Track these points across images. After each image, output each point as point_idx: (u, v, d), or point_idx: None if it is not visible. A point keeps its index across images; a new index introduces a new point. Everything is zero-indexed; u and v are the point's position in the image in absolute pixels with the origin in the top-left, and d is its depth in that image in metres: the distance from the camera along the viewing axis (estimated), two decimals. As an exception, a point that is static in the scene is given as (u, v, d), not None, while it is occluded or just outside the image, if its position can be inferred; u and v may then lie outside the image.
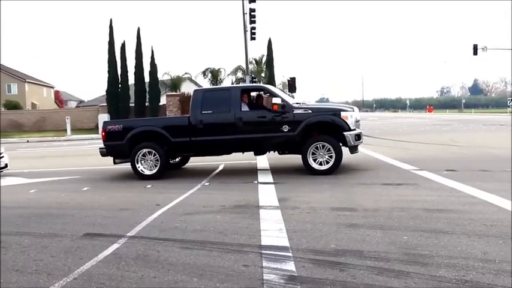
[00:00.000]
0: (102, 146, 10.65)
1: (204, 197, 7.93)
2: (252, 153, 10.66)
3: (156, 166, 10.19)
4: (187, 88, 46.40)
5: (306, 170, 9.74)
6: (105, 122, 10.88)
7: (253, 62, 52.91)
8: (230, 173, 10.90)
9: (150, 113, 40.07)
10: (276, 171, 10.57)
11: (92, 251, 5.00)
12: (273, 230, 5.49)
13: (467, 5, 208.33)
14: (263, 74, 51.55)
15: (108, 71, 42.08)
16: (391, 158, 11.76)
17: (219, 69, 54.20)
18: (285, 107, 9.82)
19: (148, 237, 5.43)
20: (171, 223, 6.08)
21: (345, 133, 9.67)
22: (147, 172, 10.21)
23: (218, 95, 10.73)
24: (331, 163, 9.63)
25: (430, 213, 5.98)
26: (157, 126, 10.39)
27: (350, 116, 9.85)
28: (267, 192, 7.98)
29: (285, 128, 9.82)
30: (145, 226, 5.98)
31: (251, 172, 10.60)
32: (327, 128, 9.88)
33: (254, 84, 10.41)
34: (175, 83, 48.35)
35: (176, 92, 45.39)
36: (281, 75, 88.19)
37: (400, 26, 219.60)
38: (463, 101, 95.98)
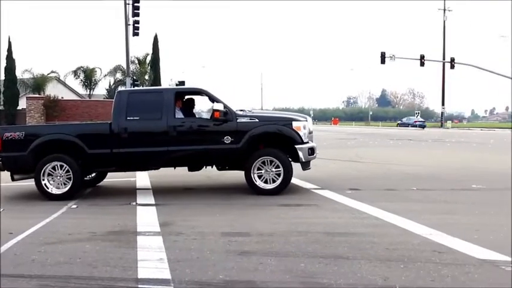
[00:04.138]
0: None
1: (70, 222, 7.65)
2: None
3: (67, 183, 9.59)
4: (54, 90, 44.80)
5: (251, 189, 9.65)
6: (1, 128, 10.03)
7: (136, 61, 52.35)
8: (104, 192, 10.63)
9: (5, 119, 37.98)
10: (159, 190, 10.48)
11: None
12: (152, 260, 5.44)
13: (374, 11, 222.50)
14: (147, 76, 51.15)
15: (-50, 65, 39.36)
16: (291, 176, 12.13)
17: (93, 68, 53.11)
18: (228, 114, 9.62)
19: (-4, 273, 5.12)
20: (27, 255, 5.79)
21: (296, 146, 9.65)
22: (55, 191, 9.57)
23: (147, 98, 10.40)
24: (278, 181, 9.55)
25: (331, 237, 6.28)
26: (70, 134, 9.80)
27: (303, 127, 9.81)
28: (147, 216, 7.89)
29: (227, 140, 9.63)
30: (-8, 259, 5.64)
31: (129, 192, 10.42)
32: (276, 140, 9.84)
33: (190, 86, 10.09)
34: (39, 84, 46.54)
35: (40, 94, 43.57)
36: (168, 78, 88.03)
37: (304, 29, 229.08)
38: (370, 113, 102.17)
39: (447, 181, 11.24)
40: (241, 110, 10.13)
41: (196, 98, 10.88)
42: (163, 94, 10.10)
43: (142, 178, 12.25)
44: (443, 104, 69.37)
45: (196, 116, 10.52)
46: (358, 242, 6.04)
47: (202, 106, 10.97)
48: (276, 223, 7.16)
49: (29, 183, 10.12)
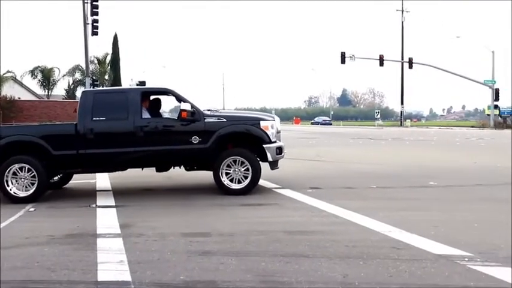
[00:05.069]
0: None
1: (28, 225, 7.50)
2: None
3: (32, 186, 9.36)
4: (10, 90, 43.85)
5: (219, 190, 9.60)
6: None
7: (95, 61, 51.69)
8: (62, 195, 10.44)
9: (-42, 121, 36.88)
10: (119, 192, 10.37)
11: None
12: (112, 262, 5.39)
13: (335, 11, 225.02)
14: (107, 76, 50.60)
15: None
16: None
17: (51, 68, 52.23)
18: (195, 114, 9.55)
19: (-51, 280, 4.99)
20: (-18, 260, 5.65)
21: (264, 146, 9.66)
22: (20, 193, 9.34)
23: (113, 98, 10.21)
24: (246, 181, 9.52)
25: (291, 236, 6.33)
26: (34, 135, 9.61)
27: (271, 126, 9.84)
28: (107, 218, 7.80)
29: (195, 140, 9.54)
30: None
31: (88, 194, 10.28)
32: (244, 140, 9.84)
33: (157, 86, 9.80)
34: (-6, 84, 45.33)
35: (-5, 94, 42.51)
36: (129, 78, 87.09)
37: (266, 29, 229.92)
38: (332, 112, 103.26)
39: (406, 179, 11.46)
40: (208, 110, 10.09)
41: (161, 98, 10.80)
42: (130, 94, 9.96)
43: (102, 180, 12.08)
44: (402, 103, 70.63)
45: (163, 116, 10.43)
46: (318, 240, 6.10)
47: (165, 106, 10.92)
48: (236, 223, 7.18)
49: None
